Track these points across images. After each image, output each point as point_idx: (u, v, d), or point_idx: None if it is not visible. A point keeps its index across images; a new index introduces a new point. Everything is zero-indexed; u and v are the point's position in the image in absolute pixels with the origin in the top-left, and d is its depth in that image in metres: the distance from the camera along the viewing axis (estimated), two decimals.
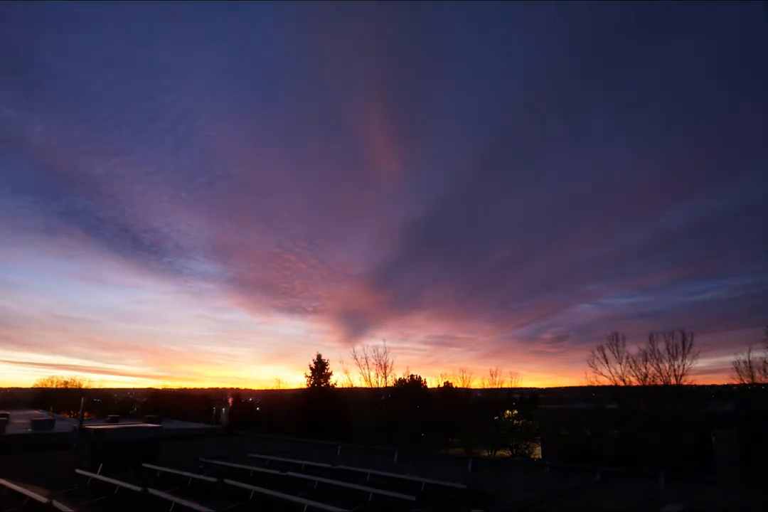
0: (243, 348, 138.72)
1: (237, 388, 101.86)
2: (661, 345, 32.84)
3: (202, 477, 13.03)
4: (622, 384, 33.77)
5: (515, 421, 52.09)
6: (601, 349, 35.00)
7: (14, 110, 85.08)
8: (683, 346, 32.10)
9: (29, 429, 24.13)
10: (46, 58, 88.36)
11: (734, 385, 35.16)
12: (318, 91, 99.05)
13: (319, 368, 47.77)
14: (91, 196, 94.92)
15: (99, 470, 14.15)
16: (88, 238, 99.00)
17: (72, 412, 50.52)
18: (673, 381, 31.87)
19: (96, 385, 68.80)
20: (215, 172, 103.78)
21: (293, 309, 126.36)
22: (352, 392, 47.40)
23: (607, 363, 34.53)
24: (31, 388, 71.19)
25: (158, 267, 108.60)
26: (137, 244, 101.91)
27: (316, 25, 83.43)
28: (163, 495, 10.47)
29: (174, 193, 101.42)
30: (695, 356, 31.85)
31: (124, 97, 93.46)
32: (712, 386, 62.87)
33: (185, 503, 9.68)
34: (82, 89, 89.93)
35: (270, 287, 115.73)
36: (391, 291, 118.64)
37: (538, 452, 47.18)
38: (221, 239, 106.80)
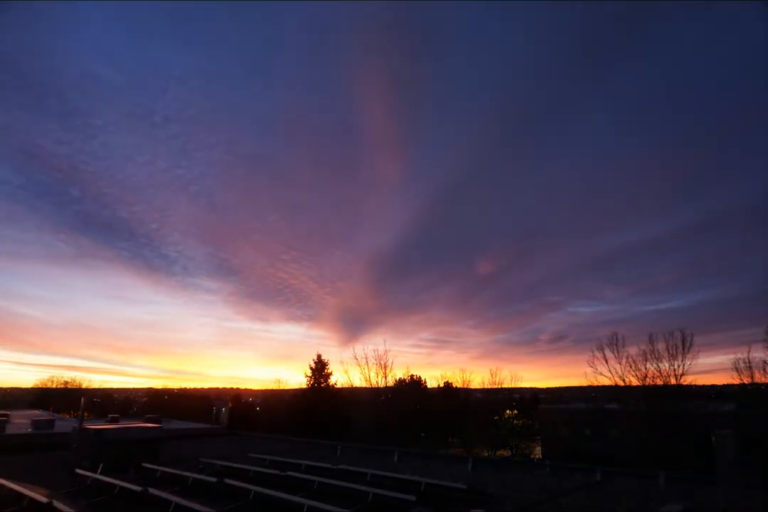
0: (244, 351, 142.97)
1: (237, 388, 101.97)
2: (660, 345, 32.87)
3: (202, 477, 13.03)
4: (622, 384, 33.79)
5: (515, 421, 52.12)
6: (601, 349, 35.03)
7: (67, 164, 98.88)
8: (683, 346, 32.13)
9: (29, 429, 24.12)
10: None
11: (734, 385, 35.13)
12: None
13: (319, 368, 47.77)
14: (115, 232, 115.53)
15: (99, 470, 14.13)
16: (112, 263, 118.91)
17: (72, 412, 50.52)
18: (673, 381, 31.89)
19: (96, 385, 68.73)
20: (217, 212, 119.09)
21: (292, 316, 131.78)
22: (352, 392, 47.42)
23: (607, 363, 34.55)
24: (31, 388, 71.20)
25: (169, 283, 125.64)
26: (151, 267, 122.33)
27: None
28: (164, 494, 10.47)
29: (184, 228, 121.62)
30: (695, 356, 31.88)
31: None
32: (712, 386, 62.89)
33: (185, 503, 9.67)
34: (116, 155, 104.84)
35: (268, 299, 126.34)
36: (391, 291, 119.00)
37: (538, 452, 47.17)
38: (223, 262, 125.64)
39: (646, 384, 32.58)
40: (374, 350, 43.98)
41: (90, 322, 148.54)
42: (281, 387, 58.45)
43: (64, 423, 27.18)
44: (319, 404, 44.29)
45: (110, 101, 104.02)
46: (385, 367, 43.19)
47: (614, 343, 34.48)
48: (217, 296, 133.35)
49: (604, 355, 34.61)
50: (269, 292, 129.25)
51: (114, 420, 27.72)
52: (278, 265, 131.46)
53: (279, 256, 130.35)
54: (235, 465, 15.25)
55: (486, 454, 40.51)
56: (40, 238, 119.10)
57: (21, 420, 28.82)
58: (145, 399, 73.78)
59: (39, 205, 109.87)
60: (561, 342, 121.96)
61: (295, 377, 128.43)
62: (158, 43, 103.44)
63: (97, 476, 12.94)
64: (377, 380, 43.30)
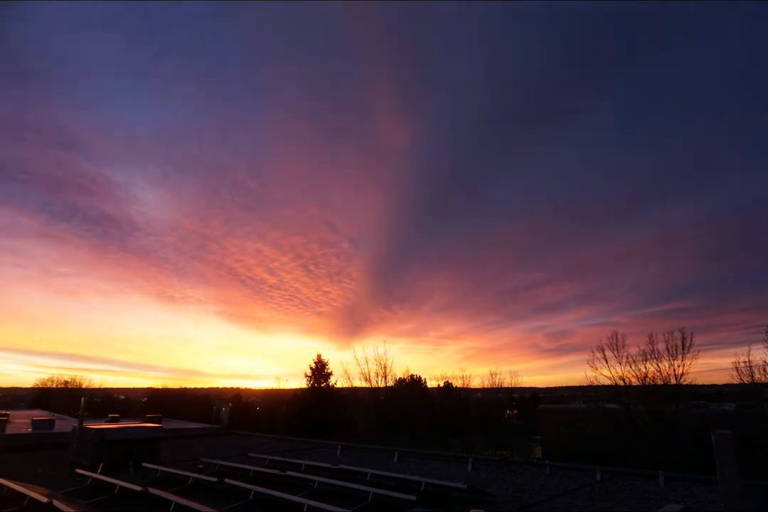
0: (244, 353, 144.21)
1: (237, 388, 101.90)
2: (660, 345, 32.85)
3: (202, 476, 13.05)
4: (622, 384, 33.78)
5: (515, 421, 52.10)
6: (601, 349, 35.02)
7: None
8: (683, 346, 32.09)
9: (29, 429, 24.13)
10: None
11: (734, 385, 35.07)
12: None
13: (319, 368, 47.77)
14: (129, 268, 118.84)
15: (99, 470, 14.15)
16: (137, 291, 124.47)
17: (72, 412, 50.47)
18: (673, 381, 31.86)
19: (96, 385, 68.60)
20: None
21: (292, 316, 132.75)
22: (352, 392, 47.38)
23: (607, 363, 34.53)
24: (31, 388, 71.12)
25: (178, 302, 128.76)
26: (162, 296, 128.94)
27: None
28: (164, 494, 10.47)
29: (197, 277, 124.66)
30: (695, 356, 31.86)
31: None
32: (712, 386, 62.78)
33: (186, 502, 9.68)
34: None
35: (268, 299, 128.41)
36: (391, 291, 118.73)
37: (538, 452, 47.16)
38: (223, 296, 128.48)
39: (646, 384, 32.58)
40: (374, 350, 44.01)
41: (90, 322, 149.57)
42: (281, 387, 58.44)
43: (64, 423, 27.20)
44: (318, 404, 44.27)
45: None
46: (385, 367, 43.23)
47: (614, 343, 34.50)
48: (219, 317, 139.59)
49: (604, 355, 34.63)
50: (269, 292, 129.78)
51: (114, 420, 27.72)
52: (273, 265, 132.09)
53: (276, 254, 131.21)
54: (235, 465, 15.26)
55: (486, 454, 40.53)
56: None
57: (21, 420, 28.82)
58: (145, 399, 73.73)
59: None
60: (561, 342, 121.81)
61: (295, 377, 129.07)
62: None
63: (97, 476, 12.94)
64: (377, 380, 43.33)
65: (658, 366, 32.45)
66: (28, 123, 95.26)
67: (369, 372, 43.13)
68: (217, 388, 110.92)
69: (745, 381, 32.28)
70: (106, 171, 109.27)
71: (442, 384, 52.82)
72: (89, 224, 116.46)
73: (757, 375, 31.58)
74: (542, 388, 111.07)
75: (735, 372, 32.85)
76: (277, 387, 58.88)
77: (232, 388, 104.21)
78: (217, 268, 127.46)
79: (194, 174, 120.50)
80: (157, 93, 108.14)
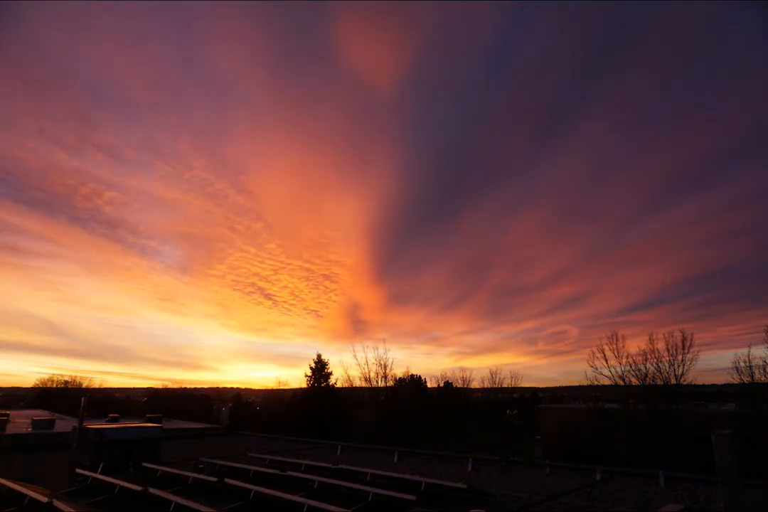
0: (245, 354, 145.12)
1: (237, 388, 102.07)
2: (660, 345, 32.90)
3: (202, 476, 13.04)
4: (622, 384, 33.84)
5: (515, 421, 52.08)
6: (601, 349, 35.08)
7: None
8: (683, 346, 32.16)
9: (29, 429, 24.14)
10: None
11: (734, 385, 35.11)
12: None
13: (319, 368, 47.83)
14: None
15: (99, 469, 14.15)
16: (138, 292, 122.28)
17: (72, 412, 50.50)
18: (673, 381, 31.90)
19: (96, 385, 68.64)
20: None
21: (291, 316, 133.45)
22: (352, 392, 47.47)
23: (607, 363, 34.59)
24: (31, 388, 71.17)
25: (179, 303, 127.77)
26: (164, 298, 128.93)
27: None
28: (164, 494, 10.48)
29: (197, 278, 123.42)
30: (695, 356, 31.91)
31: None
32: (712, 386, 62.79)
33: (186, 502, 9.68)
34: None
35: (267, 313, 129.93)
36: (391, 291, 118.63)
37: (538, 452, 47.16)
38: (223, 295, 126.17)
39: (646, 384, 32.64)
40: (374, 349, 44.09)
41: (91, 322, 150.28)
42: (281, 387, 58.51)
43: (64, 423, 27.20)
44: (319, 404, 44.34)
45: None
46: (385, 367, 43.30)
47: (614, 343, 34.56)
48: (221, 343, 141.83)
49: (604, 355, 34.70)
50: (267, 293, 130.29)
51: (114, 420, 27.73)
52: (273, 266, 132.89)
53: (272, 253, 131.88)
54: (235, 464, 15.26)
55: (486, 454, 40.44)
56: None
57: (21, 420, 28.83)
58: (145, 399, 73.79)
59: None
60: (561, 342, 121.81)
61: (295, 377, 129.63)
62: None
63: (97, 476, 12.94)
64: (377, 380, 43.39)
65: (658, 366, 32.56)
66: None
67: (369, 372, 43.25)
68: (217, 388, 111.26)
69: (745, 381, 32.36)
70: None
71: (442, 384, 53.00)
72: (91, 223, 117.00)
73: (757, 375, 31.67)
74: (542, 388, 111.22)
75: (735, 372, 32.96)
76: (277, 387, 59.03)
77: (232, 388, 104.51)
78: (217, 268, 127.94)
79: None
80: None
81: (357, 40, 74.95)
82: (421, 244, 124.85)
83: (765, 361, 31.08)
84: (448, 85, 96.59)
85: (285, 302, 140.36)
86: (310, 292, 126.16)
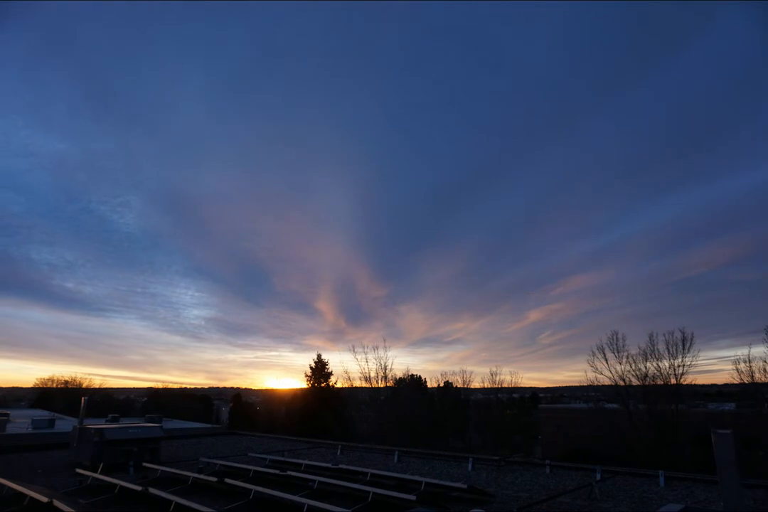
0: (244, 355, 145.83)
1: (237, 388, 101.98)
2: (660, 345, 32.85)
3: (202, 476, 13.04)
4: (622, 384, 33.79)
5: (515, 421, 52.07)
6: (601, 349, 35.03)
7: None
8: (683, 346, 32.10)
9: (29, 429, 24.14)
10: None
11: (734, 385, 35.09)
12: None
13: (319, 368, 47.82)
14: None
15: (99, 469, 14.15)
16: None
17: (72, 412, 50.46)
18: (673, 381, 31.86)
19: (96, 385, 68.59)
20: None
21: (291, 325, 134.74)
22: (352, 392, 47.41)
23: (607, 363, 34.55)
24: (31, 388, 71.10)
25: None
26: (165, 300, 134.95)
27: None
28: (164, 494, 10.47)
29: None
30: (695, 355, 31.86)
31: None
32: (712, 386, 62.84)
33: (186, 502, 9.67)
34: None
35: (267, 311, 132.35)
36: (392, 291, 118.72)
37: (538, 452, 47.19)
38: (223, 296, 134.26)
39: (646, 384, 32.57)
40: (374, 349, 44.01)
41: (90, 322, 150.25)
42: (281, 387, 58.48)
43: (64, 423, 27.20)
44: (319, 404, 44.32)
45: None
46: (385, 367, 43.24)
47: (614, 343, 34.50)
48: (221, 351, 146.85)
49: (604, 355, 34.64)
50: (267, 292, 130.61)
51: (114, 420, 27.73)
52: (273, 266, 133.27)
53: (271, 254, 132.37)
54: (235, 464, 15.26)
55: (486, 454, 40.45)
56: None
57: (21, 420, 28.83)
58: (145, 399, 73.74)
59: None
60: (562, 342, 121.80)
61: (295, 377, 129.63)
62: None
63: (98, 475, 12.93)
64: (377, 380, 43.34)
65: (658, 366, 32.50)
66: None
67: (369, 372, 43.18)
68: (217, 388, 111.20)
69: (745, 381, 32.32)
70: None
71: (442, 384, 52.90)
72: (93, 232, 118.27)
73: (757, 375, 31.62)
74: (542, 388, 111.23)
75: (735, 372, 32.92)
76: (277, 387, 59.01)
77: (232, 388, 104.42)
78: (218, 269, 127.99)
79: None
80: None
81: None
82: (422, 244, 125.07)
83: (765, 361, 31.07)
84: None
85: (286, 302, 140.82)
86: (311, 291, 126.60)
